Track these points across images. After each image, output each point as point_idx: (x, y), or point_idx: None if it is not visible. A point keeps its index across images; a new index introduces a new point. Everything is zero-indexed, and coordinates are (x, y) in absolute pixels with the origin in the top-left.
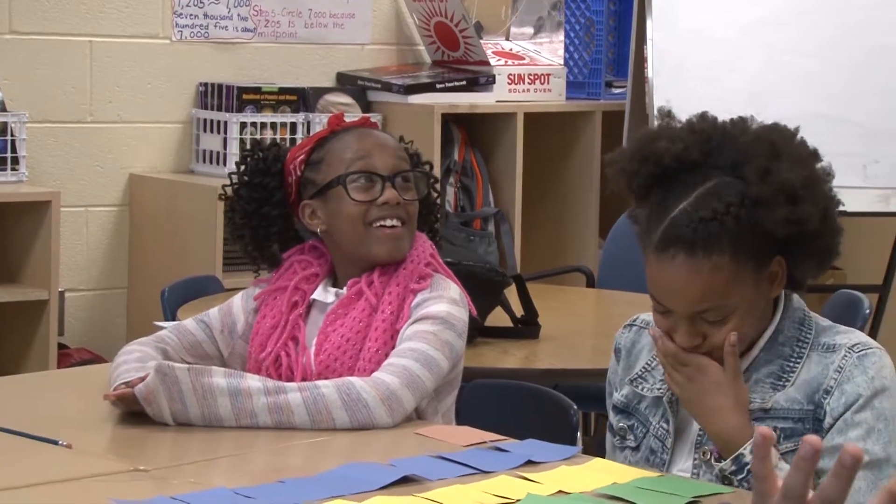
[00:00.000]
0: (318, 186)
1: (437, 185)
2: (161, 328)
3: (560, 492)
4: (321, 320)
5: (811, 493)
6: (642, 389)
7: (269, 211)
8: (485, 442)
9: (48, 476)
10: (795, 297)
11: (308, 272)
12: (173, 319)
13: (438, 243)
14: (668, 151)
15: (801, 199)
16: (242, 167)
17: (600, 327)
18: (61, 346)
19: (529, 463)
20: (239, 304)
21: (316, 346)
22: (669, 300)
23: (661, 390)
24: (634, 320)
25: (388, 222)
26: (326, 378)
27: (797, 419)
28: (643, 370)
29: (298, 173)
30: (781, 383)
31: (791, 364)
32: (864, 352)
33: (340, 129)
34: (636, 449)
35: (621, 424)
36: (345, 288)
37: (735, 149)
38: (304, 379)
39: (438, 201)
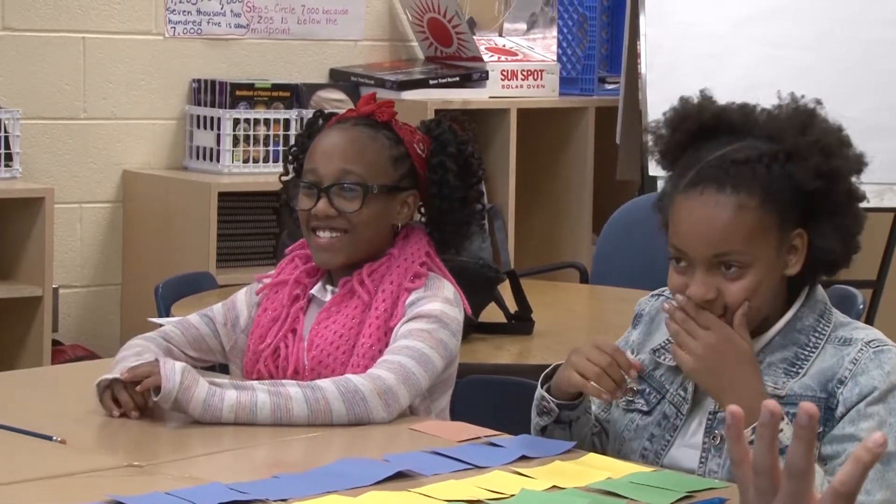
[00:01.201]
0: None
1: (444, 185)
2: (155, 324)
3: (554, 487)
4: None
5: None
6: (664, 359)
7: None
8: (479, 437)
9: (43, 472)
10: (820, 290)
11: (309, 265)
12: (167, 316)
13: (446, 240)
14: (708, 109)
15: (835, 155)
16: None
17: (594, 323)
18: (55, 343)
19: (523, 458)
20: (243, 299)
21: (308, 341)
22: (690, 241)
23: None
24: (662, 291)
25: (321, 234)
26: (319, 373)
27: None
28: (668, 342)
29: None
30: (795, 370)
31: (806, 352)
32: (880, 348)
33: (345, 117)
34: (647, 413)
35: (632, 386)
36: (338, 286)
37: (772, 118)
38: (296, 371)
39: (444, 197)
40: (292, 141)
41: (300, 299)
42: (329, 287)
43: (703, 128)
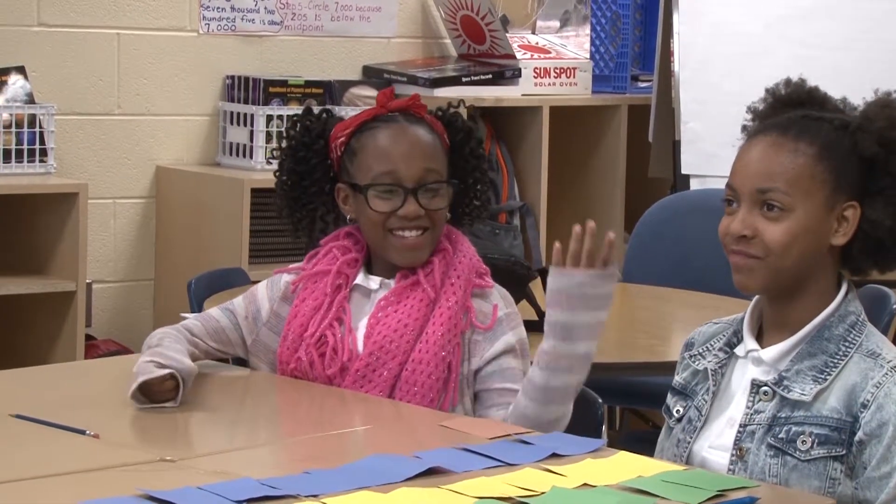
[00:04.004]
0: (350, 180)
1: (479, 175)
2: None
3: (585, 485)
4: (365, 305)
5: None
6: (697, 364)
7: (309, 186)
8: (509, 434)
9: (76, 466)
10: (856, 302)
11: (348, 257)
12: (199, 311)
13: (463, 224)
14: (787, 86)
15: None
16: (290, 134)
17: (625, 321)
18: (88, 338)
19: (554, 456)
20: (263, 292)
21: (367, 328)
22: (740, 174)
23: (711, 362)
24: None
25: (407, 234)
26: (378, 357)
27: (834, 427)
28: (703, 349)
29: (339, 153)
30: (823, 377)
31: (835, 360)
32: None
33: (383, 114)
34: (680, 420)
35: (674, 400)
36: (393, 278)
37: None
38: (349, 360)
39: (477, 189)
40: None
41: (342, 289)
42: (374, 277)
43: (794, 96)
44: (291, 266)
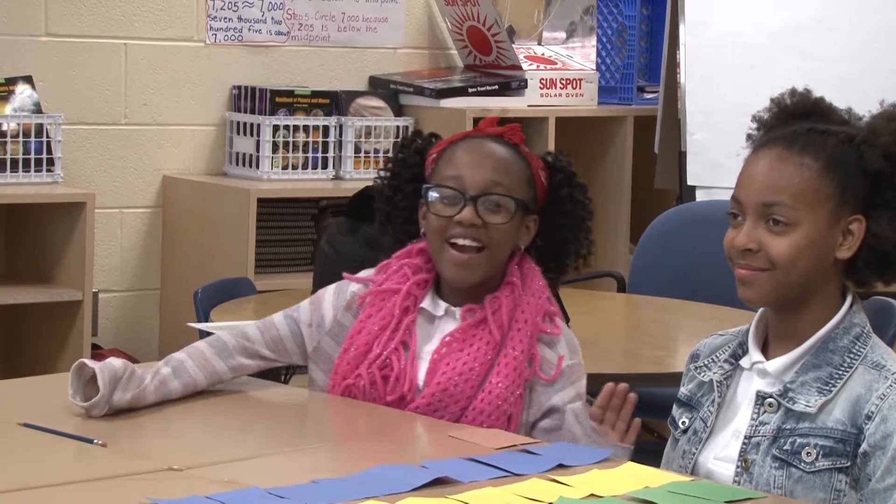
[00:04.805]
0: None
1: (579, 216)
2: (194, 329)
3: (592, 495)
4: (430, 329)
5: None
6: (703, 375)
7: (400, 201)
8: (516, 445)
9: (83, 475)
10: (861, 314)
11: (418, 277)
12: (206, 321)
13: (552, 269)
14: (812, 96)
15: None
16: (397, 153)
17: (630, 332)
18: (95, 347)
19: (561, 466)
20: (329, 300)
21: (430, 364)
22: (745, 188)
23: (716, 373)
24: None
25: (461, 241)
26: (440, 399)
27: (839, 439)
28: (709, 360)
29: (429, 171)
30: (828, 388)
31: (840, 372)
32: None
33: (472, 134)
34: (685, 431)
35: (679, 411)
36: (458, 309)
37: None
38: (408, 390)
39: (565, 227)
40: (330, 149)
41: (410, 311)
42: (442, 302)
43: (800, 107)
44: (361, 275)
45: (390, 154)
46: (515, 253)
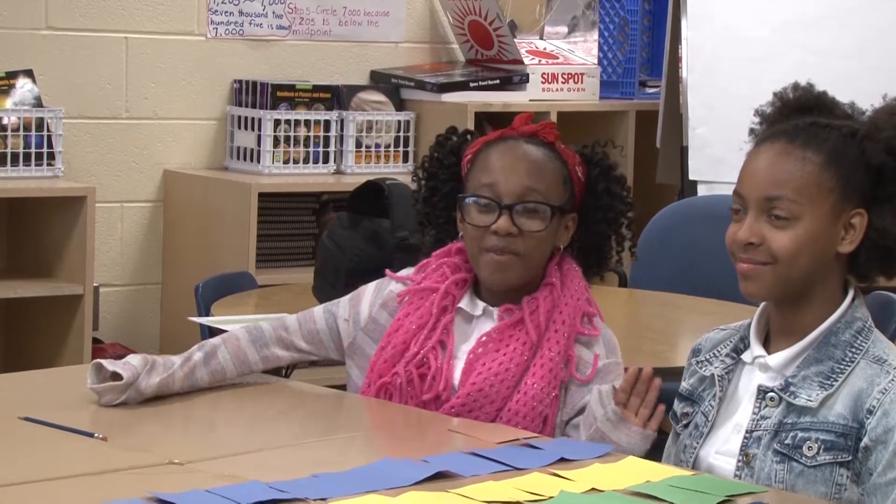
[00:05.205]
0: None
1: (617, 215)
2: (195, 324)
3: (593, 489)
4: (467, 329)
5: None
6: (704, 370)
7: (438, 202)
8: (518, 439)
9: (83, 468)
10: (863, 309)
11: (457, 276)
12: (207, 315)
13: (591, 264)
14: (815, 91)
15: None
16: (433, 153)
17: (632, 327)
18: (95, 341)
19: (563, 460)
20: (368, 297)
21: (466, 364)
22: (747, 182)
23: (717, 368)
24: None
25: (497, 251)
26: (475, 399)
27: (840, 433)
28: (711, 355)
29: (465, 171)
30: (829, 382)
31: (842, 367)
32: None
33: (511, 135)
34: (687, 425)
35: (681, 406)
36: (495, 309)
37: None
38: (444, 390)
39: (606, 222)
40: (332, 143)
41: (448, 311)
42: (480, 302)
43: (802, 101)
44: (401, 273)
45: (426, 153)
46: (556, 253)
